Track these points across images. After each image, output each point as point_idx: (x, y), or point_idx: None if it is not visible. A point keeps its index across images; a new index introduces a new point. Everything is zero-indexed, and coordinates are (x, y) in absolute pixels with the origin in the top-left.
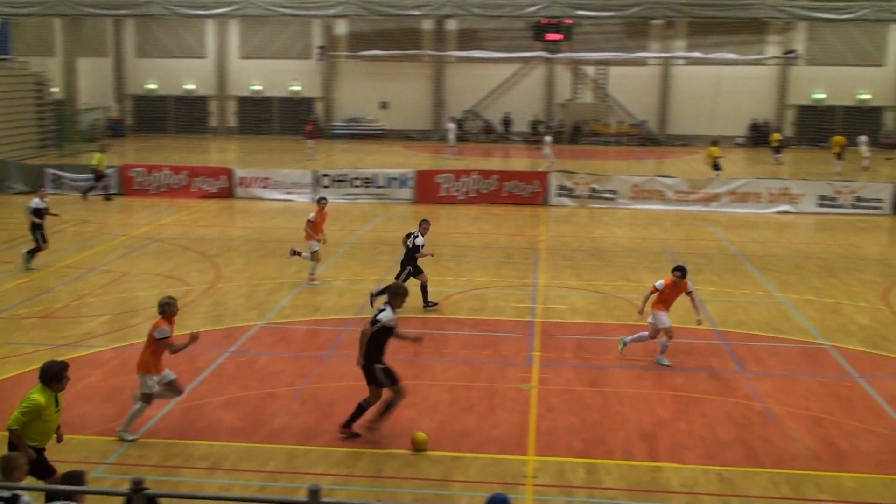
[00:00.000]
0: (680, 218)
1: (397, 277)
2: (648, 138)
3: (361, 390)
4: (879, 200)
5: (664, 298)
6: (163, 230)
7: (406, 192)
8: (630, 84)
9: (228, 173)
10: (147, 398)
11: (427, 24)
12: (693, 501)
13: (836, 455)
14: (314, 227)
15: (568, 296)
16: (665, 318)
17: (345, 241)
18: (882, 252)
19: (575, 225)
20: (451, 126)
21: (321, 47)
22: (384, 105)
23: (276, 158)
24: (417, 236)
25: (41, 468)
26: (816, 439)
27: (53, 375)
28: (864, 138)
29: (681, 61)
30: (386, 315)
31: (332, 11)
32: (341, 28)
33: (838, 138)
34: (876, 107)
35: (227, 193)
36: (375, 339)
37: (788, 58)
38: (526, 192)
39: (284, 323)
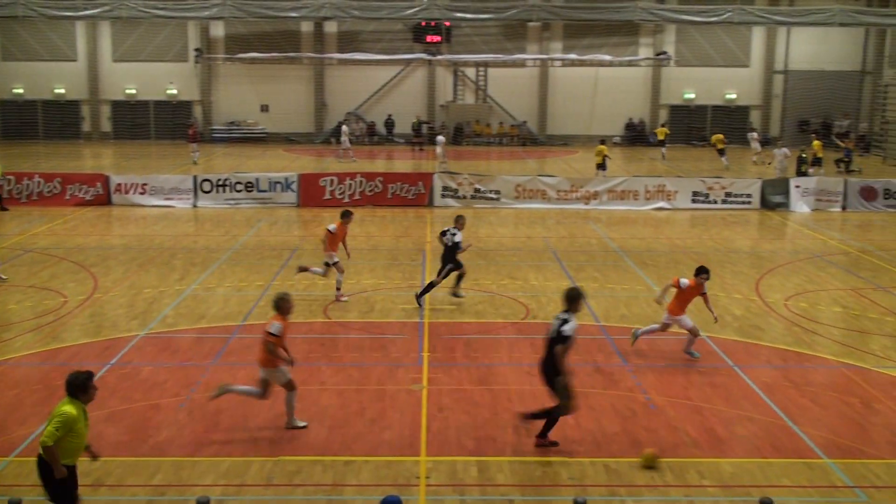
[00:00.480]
0: (562, 216)
1: (438, 273)
2: (529, 138)
3: (248, 398)
4: (749, 196)
5: (685, 299)
6: (35, 240)
7: (290, 196)
8: (510, 85)
9: (104, 180)
10: (290, 385)
11: (306, 27)
12: (582, 493)
13: (716, 442)
14: (332, 240)
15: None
16: (687, 320)
17: (228, 247)
18: (752, 245)
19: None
20: (345, 129)
21: (198, 50)
22: (265, 108)
23: (154, 164)
24: (456, 233)
25: (71, 489)
26: (697, 427)
27: (79, 386)
28: (754, 134)
29: (558, 63)
30: (572, 327)
31: (207, 13)
32: (218, 30)
33: (718, 136)
34: (742, 106)
35: (103, 200)
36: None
37: (660, 59)
38: (410, 194)
39: (168, 332)
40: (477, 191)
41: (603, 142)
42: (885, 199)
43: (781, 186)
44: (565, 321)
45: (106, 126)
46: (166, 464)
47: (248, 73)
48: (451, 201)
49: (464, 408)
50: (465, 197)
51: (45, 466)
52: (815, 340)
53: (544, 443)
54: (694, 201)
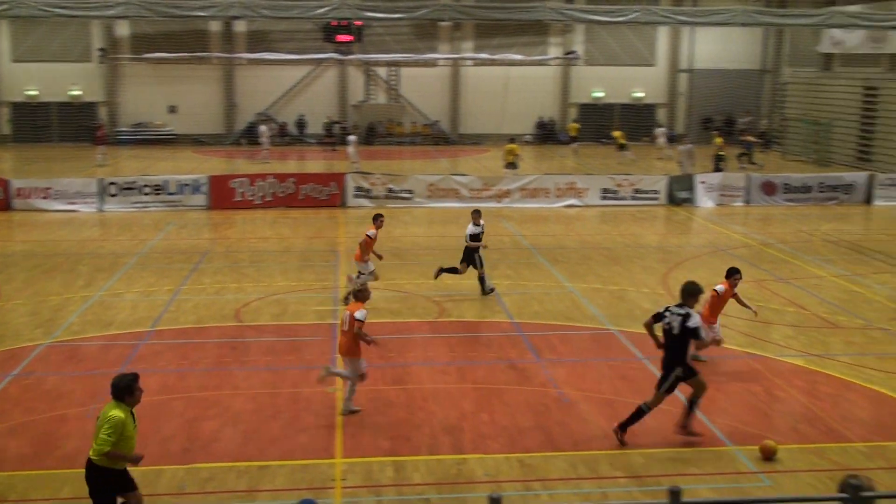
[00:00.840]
0: None
1: (480, 266)
2: (441, 138)
3: (159, 405)
4: (656, 192)
5: (720, 304)
6: None
7: (199, 199)
8: (421, 85)
9: (4, 184)
10: (362, 377)
11: (215, 26)
12: (497, 489)
13: (627, 433)
14: (369, 246)
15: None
16: (718, 329)
17: (136, 252)
18: (660, 240)
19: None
20: (263, 129)
21: (102, 50)
22: (173, 109)
23: (58, 167)
24: (476, 226)
25: (126, 483)
26: (608, 420)
27: (125, 388)
28: (661, 130)
29: (469, 62)
30: (696, 320)
31: (111, 12)
32: (123, 30)
33: (617, 132)
34: (649, 104)
35: (2, 206)
36: (685, 342)
37: (569, 58)
38: (323, 195)
39: (74, 340)
40: (390, 191)
41: (512, 140)
42: (785, 193)
43: (687, 182)
44: (687, 315)
45: (5, 129)
46: (74, 476)
47: (156, 74)
48: (364, 201)
49: (379, 408)
50: (378, 197)
51: (95, 473)
52: (721, 332)
53: (622, 437)
54: (604, 198)
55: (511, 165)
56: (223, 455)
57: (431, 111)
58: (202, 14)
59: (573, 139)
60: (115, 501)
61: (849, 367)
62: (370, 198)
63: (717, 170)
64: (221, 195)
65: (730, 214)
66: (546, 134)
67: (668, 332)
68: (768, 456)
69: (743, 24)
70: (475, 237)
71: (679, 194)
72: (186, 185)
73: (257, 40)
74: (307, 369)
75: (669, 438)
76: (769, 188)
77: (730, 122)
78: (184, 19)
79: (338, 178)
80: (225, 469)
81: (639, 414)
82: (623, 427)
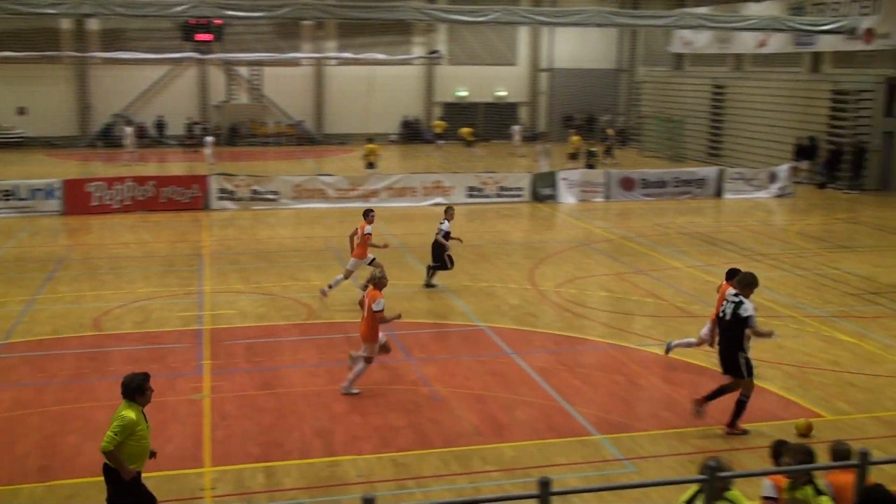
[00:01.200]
0: (343, 215)
1: (447, 262)
2: (306, 138)
3: (13, 422)
4: (520, 189)
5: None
6: None
7: (53, 204)
8: (285, 84)
9: None
10: (370, 360)
11: (66, 24)
12: (371, 490)
13: (497, 427)
14: (365, 242)
15: (236, 300)
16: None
17: None
18: (525, 236)
19: (238, 228)
20: (129, 130)
21: None
22: (22, 111)
23: None
24: (443, 224)
25: (141, 494)
26: (479, 415)
27: (136, 388)
28: (516, 128)
29: (333, 61)
30: (748, 307)
31: None
32: None
33: (466, 130)
34: (512, 103)
35: None
36: (737, 329)
37: (432, 58)
38: (185, 197)
39: None
40: (255, 192)
41: (371, 140)
42: (643, 188)
43: (549, 179)
44: (740, 303)
45: None
46: None
47: (3, 74)
48: (228, 204)
49: (248, 414)
50: (243, 199)
51: (113, 474)
52: (584, 324)
53: (735, 431)
54: (469, 196)
55: (370, 165)
56: (86, 470)
57: (296, 111)
58: (52, 11)
59: (439, 136)
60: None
61: (704, 353)
62: (234, 200)
63: (590, 166)
64: (77, 200)
65: (591, 210)
66: (411, 133)
67: (721, 318)
68: (806, 432)
69: (599, 25)
70: (448, 235)
71: (542, 191)
72: (39, 189)
73: (112, 39)
74: (173, 377)
75: (539, 430)
76: (627, 184)
77: (591, 121)
78: (32, 17)
79: (200, 181)
80: (88, 485)
81: (741, 406)
82: (732, 424)
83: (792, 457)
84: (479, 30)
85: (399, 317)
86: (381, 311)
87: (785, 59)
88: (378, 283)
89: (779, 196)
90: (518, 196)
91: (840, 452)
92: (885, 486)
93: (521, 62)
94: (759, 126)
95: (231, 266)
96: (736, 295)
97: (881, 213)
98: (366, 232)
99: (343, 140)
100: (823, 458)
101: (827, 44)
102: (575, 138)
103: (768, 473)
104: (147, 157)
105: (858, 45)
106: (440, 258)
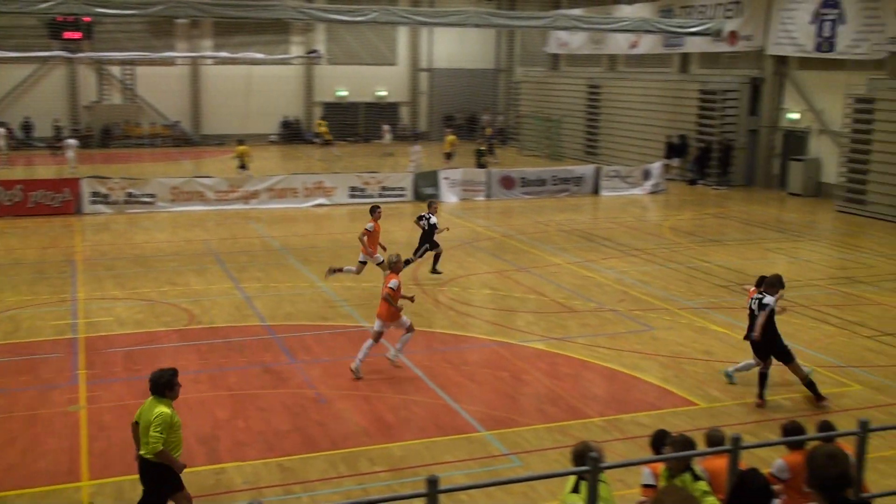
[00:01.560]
0: (222, 217)
1: (415, 253)
2: (183, 139)
3: None
4: (403, 189)
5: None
6: None
7: None
8: (160, 84)
9: None
10: (411, 327)
11: None
12: (257, 496)
13: (384, 428)
14: (372, 239)
15: (112, 307)
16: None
17: None
18: (408, 236)
19: (113, 232)
20: (2, 132)
21: None
22: None
23: None
24: (430, 217)
25: (179, 482)
26: (366, 416)
27: (166, 384)
28: (386, 127)
29: (209, 61)
30: (770, 299)
31: None
32: None
33: (322, 128)
34: (392, 102)
35: None
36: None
37: (311, 57)
38: (56, 202)
39: None
40: (130, 195)
41: (241, 142)
42: (523, 187)
43: (431, 179)
44: (762, 299)
45: None
46: None
47: None
48: (102, 207)
49: (128, 424)
50: (117, 202)
51: (154, 471)
52: (469, 322)
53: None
54: (352, 196)
55: (243, 167)
56: None
57: (171, 111)
58: None
59: (318, 136)
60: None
61: (585, 347)
62: (109, 203)
63: (481, 166)
64: None
65: (473, 209)
66: (292, 133)
67: (751, 314)
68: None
69: (477, 25)
70: (434, 227)
71: (424, 190)
72: None
73: None
74: (46, 389)
75: (426, 429)
76: (508, 182)
77: (472, 120)
78: None
79: (72, 184)
80: None
81: (812, 386)
82: (818, 397)
83: (672, 445)
84: (359, 29)
85: (412, 299)
86: (397, 289)
87: (656, 60)
88: (394, 266)
89: (652, 192)
90: (401, 196)
91: (714, 439)
92: (758, 469)
93: (401, 62)
94: (633, 125)
95: (106, 272)
96: (761, 293)
97: (747, 207)
98: (365, 228)
99: (222, 141)
100: (700, 445)
101: (694, 45)
102: (450, 138)
103: (648, 462)
104: (14, 159)
105: (724, 47)
106: (433, 244)
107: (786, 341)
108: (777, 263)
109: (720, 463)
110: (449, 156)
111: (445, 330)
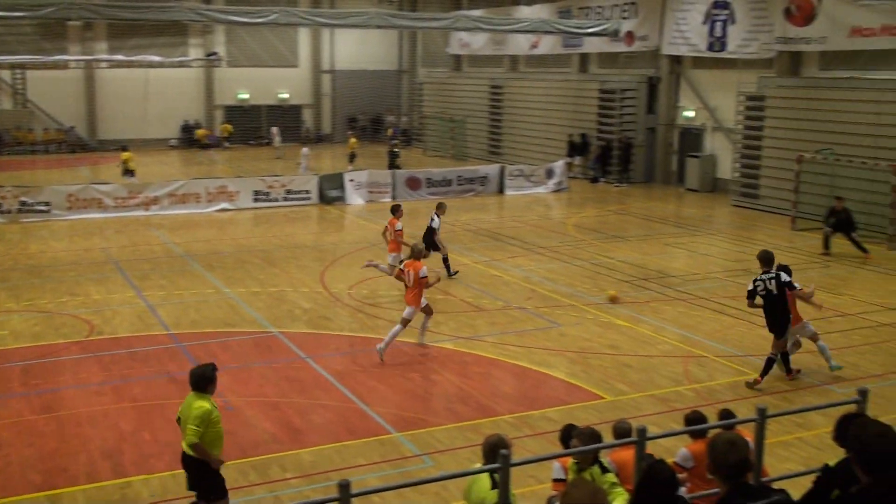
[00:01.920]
0: (122, 225)
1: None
2: (79, 145)
3: None
4: (307, 192)
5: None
6: None
7: None
8: (53, 89)
9: None
10: (430, 310)
11: None
12: None
13: (294, 433)
14: (399, 237)
15: (7, 320)
16: (810, 325)
17: None
18: (315, 239)
19: (6, 242)
20: None
21: None
22: None
23: None
24: (433, 219)
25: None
26: (275, 422)
27: (208, 378)
28: (275, 129)
29: (104, 64)
30: (786, 276)
31: None
32: None
33: (201, 131)
34: (295, 105)
35: None
36: (784, 299)
37: (211, 60)
38: None
39: None
40: (23, 203)
41: (125, 148)
42: (428, 187)
43: (337, 181)
44: (778, 275)
45: None
46: None
47: None
48: None
49: (27, 440)
50: (9, 211)
51: (196, 466)
52: (377, 324)
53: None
54: (256, 200)
55: (128, 173)
56: None
57: (66, 117)
58: None
59: (222, 140)
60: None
61: (494, 346)
62: (0, 212)
63: (393, 167)
64: None
65: (379, 210)
66: (192, 137)
67: (767, 296)
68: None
69: (378, 27)
70: (433, 230)
71: (330, 193)
72: None
73: None
74: None
75: (337, 433)
76: (414, 183)
77: (376, 122)
78: None
79: None
80: None
81: (823, 350)
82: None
83: (578, 438)
84: (259, 31)
85: (439, 279)
86: (426, 276)
87: (556, 60)
88: (418, 254)
89: (555, 191)
90: (306, 199)
91: (621, 431)
92: (665, 460)
93: (303, 64)
94: (536, 124)
95: (0, 284)
96: (766, 272)
97: (647, 204)
98: (397, 229)
99: (120, 146)
100: (608, 437)
101: (593, 45)
102: (352, 140)
103: (557, 456)
104: None
105: (621, 47)
106: (435, 246)
107: None
108: (677, 258)
109: (627, 454)
110: (352, 158)
111: (354, 332)
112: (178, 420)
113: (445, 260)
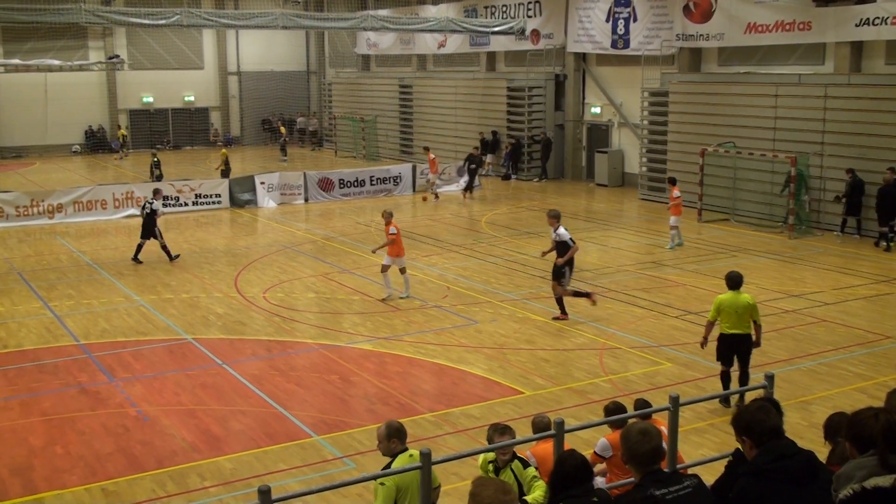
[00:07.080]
0: (24, 234)
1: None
2: None
3: None
4: (218, 196)
5: None
6: None
7: None
8: None
9: None
10: (385, 268)
11: None
12: None
13: (213, 441)
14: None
15: None
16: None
17: None
18: (227, 243)
19: None
20: None
21: None
22: None
23: None
24: (152, 203)
25: None
26: (192, 431)
27: None
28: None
29: (0, 69)
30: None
31: None
32: None
33: (122, 131)
34: (202, 107)
35: None
36: None
37: (113, 63)
38: None
39: None
40: None
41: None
42: (341, 188)
43: (248, 184)
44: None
45: None
46: None
47: None
48: None
49: None
50: None
51: None
52: (294, 327)
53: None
54: (165, 205)
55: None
56: None
57: None
58: None
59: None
60: None
61: (412, 345)
62: None
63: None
64: None
65: (292, 212)
66: (96, 143)
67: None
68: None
69: (284, 27)
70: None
71: (241, 196)
72: None
73: None
74: None
75: (257, 439)
76: (326, 185)
77: (289, 123)
78: None
79: None
80: None
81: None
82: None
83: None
84: (162, 33)
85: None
86: (397, 233)
87: (464, 59)
88: (389, 217)
89: (466, 189)
90: (217, 203)
91: (540, 424)
92: (575, 450)
93: (209, 66)
94: (446, 123)
95: None
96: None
97: (559, 199)
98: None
99: (20, 153)
100: (528, 432)
101: (500, 44)
102: (223, 151)
103: (478, 452)
104: None
105: (527, 46)
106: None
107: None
108: (589, 252)
109: (547, 447)
110: (225, 172)
111: (271, 336)
112: None
113: (164, 247)
